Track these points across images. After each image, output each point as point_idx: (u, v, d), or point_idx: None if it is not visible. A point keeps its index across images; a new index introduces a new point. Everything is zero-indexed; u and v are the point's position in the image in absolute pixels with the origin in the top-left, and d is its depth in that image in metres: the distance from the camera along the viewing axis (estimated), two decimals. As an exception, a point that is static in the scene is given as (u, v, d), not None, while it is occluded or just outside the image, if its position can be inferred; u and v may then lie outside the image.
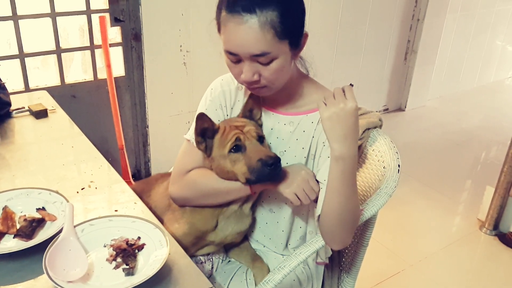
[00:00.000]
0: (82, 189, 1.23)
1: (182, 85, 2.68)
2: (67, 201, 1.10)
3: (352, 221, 1.06)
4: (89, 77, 2.47)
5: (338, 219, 1.03)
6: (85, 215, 1.12)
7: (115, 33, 2.44)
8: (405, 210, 2.69)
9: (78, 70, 2.47)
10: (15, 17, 2.15)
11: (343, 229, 1.05)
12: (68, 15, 2.30)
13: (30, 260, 0.97)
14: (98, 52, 2.42)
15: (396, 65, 3.86)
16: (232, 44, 0.98)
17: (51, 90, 1.91)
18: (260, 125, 1.17)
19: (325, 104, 0.99)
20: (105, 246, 1.01)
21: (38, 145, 1.46)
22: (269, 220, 1.25)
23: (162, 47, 2.53)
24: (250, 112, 1.17)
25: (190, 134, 1.18)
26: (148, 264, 0.95)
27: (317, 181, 1.09)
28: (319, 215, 1.07)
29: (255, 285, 1.22)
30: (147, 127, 2.67)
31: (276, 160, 1.03)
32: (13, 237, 1.02)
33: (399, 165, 1.21)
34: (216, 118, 1.18)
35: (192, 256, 1.21)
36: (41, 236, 1.02)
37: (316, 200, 1.09)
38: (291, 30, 0.99)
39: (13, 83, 2.26)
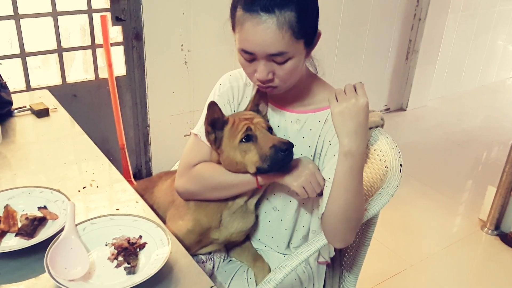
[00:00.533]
0: (83, 188, 1.23)
1: (183, 84, 2.68)
2: (69, 200, 1.10)
3: (356, 219, 1.05)
4: (90, 76, 2.47)
5: (343, 217, 1.03)
6: (87, 214, 1.12)
7: (116, 33, 2.44)
8: (406, 210, 2.68)
9: (79, 70, 2.47)
10: (16, 16, 2.15)
11: (347, 227, 1.05)
12: (70, 14, 2.30)
13: (32, 259, 0.97)
14: (99, 52, 2.42)
15: (397, 65, 3.85)
16: (249, 43, 0.98)
17: (52, 89, 1.91)
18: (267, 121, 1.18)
19: (337, 100, 0.99)
20: (106, 245, 1.01)
21: (39, 144, 1.46)
22: (273, 219, 1.25)
23: (163, 46, 2.53)
24: (257, 107, 1.17)
25: (198, 129, 1.18)
26: (149, 263, 0.95)
27: None
28: (323, 213, 1.07)
29: (256, 284, 1.21)
30: (148, 126, 2.67)
31: (290, 145, 1.03)
32: (15, 236, 1.02)
33: (401, 165, 1.21)
34: (224, 113, 1.18)
35: (193, 255, 1.21)
36: (42, 234, 1.02)
37: (320, 195, 1.09)
38: (307, 30, 1.00)
39: (15, 82, 2.26)
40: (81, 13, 2.32)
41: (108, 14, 2.35)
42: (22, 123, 1.57)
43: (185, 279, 0.95)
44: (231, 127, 1.10)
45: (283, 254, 1.29)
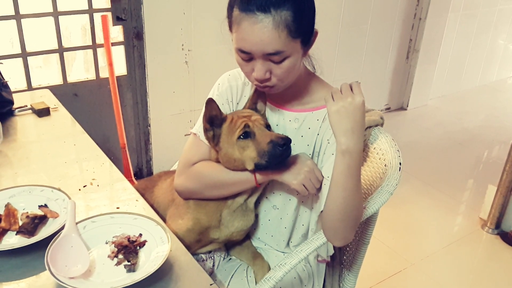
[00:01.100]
0: (84, 186, 1.23)
1: (184, 84, 2.69)
2: (69, 198, 1.11)
3: (355, 217, 1.06)
4: (91, 76, 2.47)
5: (342, 215, 1.03)
6: (87, 212, 1.13)
7: (117, 32, 2.45)
8: (407, 209, 2.69)
9: (80, 69, 2.48)
10: (17, 16, 2.16)
11: (346, 225, 1.05)
12: (70, 14, 2.30)
13: (32, 257, 0.97)
14: (100, 51, 2.43)
15: (398, 64, 3.85)
16: (245, 43, 0.99)
17: (53, 89, 1.92)
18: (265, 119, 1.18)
19: (333, 99, 1.00)
20: (106, 243, 1.01)
21: (40, 143, 1.47)
22: (272, 217, 1.25)
23: (164, 46, 2.53)
24: (255, 105, 1.18)
25: (197, 128, 1.19)
26: (149, 261, 0.96)
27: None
28: (322, 211, 1.07)
29: (256, 282, 1.22)
30: (149, 125, 2.67)
31: (288, 140, 1.04)
32: (16, 234, 1.03)
33: (400, 163, 1.21)
34: (223, 112, 1.18)
35: (193, 254, 1.21)
36: (43, 233, 1.03)
37: (319, 190, 1.10)
38: (304, 29, 1.00)
39: (16, 82, 2.26)
40: (82, 13, 2.33)
41: (109, 14, 2.36)
42: (23, 122, 1.58)
43: (185, 277, 0.95)
44: (229, 124, 1.11)
45: (283, 252, 1.29)
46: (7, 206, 1.09)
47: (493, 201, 2.47)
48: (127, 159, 2.51)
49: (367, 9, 3.40)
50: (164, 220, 1.21)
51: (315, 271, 1.28)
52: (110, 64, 2.34)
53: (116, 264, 0.96)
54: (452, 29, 4.05)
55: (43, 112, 1.62)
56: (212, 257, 1.29)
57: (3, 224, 1.04)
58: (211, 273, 1.26)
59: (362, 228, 1.28)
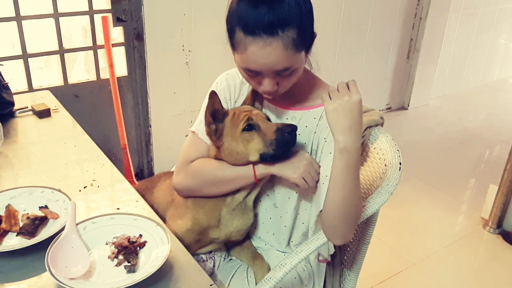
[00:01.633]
0: (84, 187, 1.23)
1: (184, 84, 2.69)
2: (70, 199, 1.11)
3: (355, 215, 1.06)
4: (92, 77, 2.48)
5: (341, 213, 1.03)
6: (87, 213, 1.13)
7: (117, 33, 2.45)
8: (408, 208, 2.69)
9: (81, 70, 2.49)
10: (18, 18, 2.17)
11: (345, 223, 1.05)
12: (71, 15, 2.31)
13: (33, 258, 0.98)
14: (101, 52, 2.43)
15: (398, 64, 3.85)
16: (255, 64, 1.00)
17: (54, 90, 1.93)
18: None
19: (330, 98, 1.00)
20: (107, 244, 1.01)
21: (41, 145, 1.47)
22: (273, 215, 1.26)
23: (165, 46, 2.54)
24: (253, 103, 1.18)
25: (196, 126, 1.20)
26: (149, 262, 0.96)
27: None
28: (321, 210, 1.08)
29: (256, 283, 1.22)
30: (150, 126, 2.68)
31: (294, 127, 1.05)
32: (16, 235, 1.03)
33: (400, 163, 1.21)
34: None
35: (193, 254, 1.21)
36: (43, 234, 1.03)
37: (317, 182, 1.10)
38: (308, 39, 1.02)
39: (17, 83, 2.27)
40: (83, 14, 2.33)
41: (109, 15, 2.36)
42: (24, 124, 1.58)
43: (185, 277, 0.95)
44: (232, 118, 1.11)
45: (283, 252, 1.29)
46: (8, 207, 1.10)
47: (494, 200, 2.47)
48: (128, 160, 2.52)
49: (367, 9, 3.40)
50: (164, 220, 1.21)
51: (316, 271, 1.28)
52: (111, 65, 2.34)
53: (116, 265, 0.96)
54: (452, 29, 4.05)
55: (44, 113, 1.62)
56: (213, 258, 1.29)
57: (3, 225, 1.04)
58: (212, 274, 1.26)
59: (363, 227, 1.28)
